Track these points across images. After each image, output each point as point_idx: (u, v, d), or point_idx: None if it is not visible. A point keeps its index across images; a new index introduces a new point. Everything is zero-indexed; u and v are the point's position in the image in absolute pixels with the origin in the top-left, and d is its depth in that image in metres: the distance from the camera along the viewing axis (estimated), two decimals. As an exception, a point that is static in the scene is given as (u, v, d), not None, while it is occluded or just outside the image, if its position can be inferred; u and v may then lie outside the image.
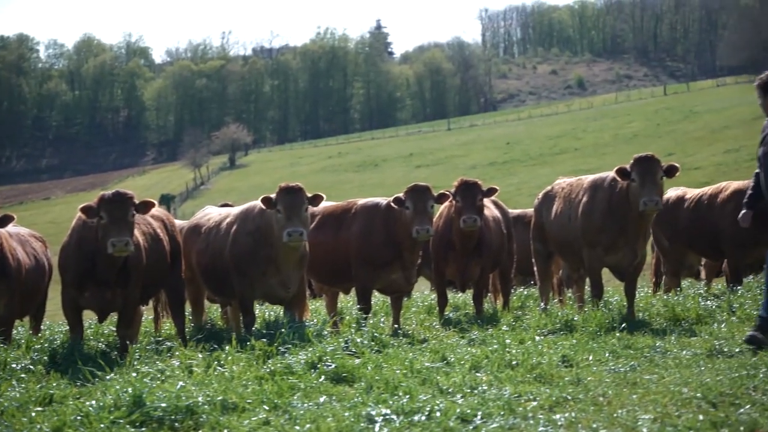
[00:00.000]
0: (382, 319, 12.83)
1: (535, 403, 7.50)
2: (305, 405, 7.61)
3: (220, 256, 11.72)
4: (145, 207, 10.69)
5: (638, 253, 12.54)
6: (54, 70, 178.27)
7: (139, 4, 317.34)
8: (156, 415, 7.25)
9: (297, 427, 6.99)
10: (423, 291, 19.01)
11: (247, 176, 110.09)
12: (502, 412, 7.19)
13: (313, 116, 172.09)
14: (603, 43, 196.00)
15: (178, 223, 12.71)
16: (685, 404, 7.24)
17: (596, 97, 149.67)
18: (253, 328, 11.28)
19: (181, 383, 7.94)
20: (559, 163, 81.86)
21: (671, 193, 15.21)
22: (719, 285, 15.79)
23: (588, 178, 13.19)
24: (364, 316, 12.22)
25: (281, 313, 12.00)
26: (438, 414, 7.11)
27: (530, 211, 15.75)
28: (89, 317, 12.16)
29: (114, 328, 11.29)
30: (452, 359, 9.44)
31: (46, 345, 10.48)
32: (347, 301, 14.80)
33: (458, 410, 7.18)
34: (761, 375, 7.97)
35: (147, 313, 14.01)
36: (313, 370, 8.79)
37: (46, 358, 9.95)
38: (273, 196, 11.17)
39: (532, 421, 6.96)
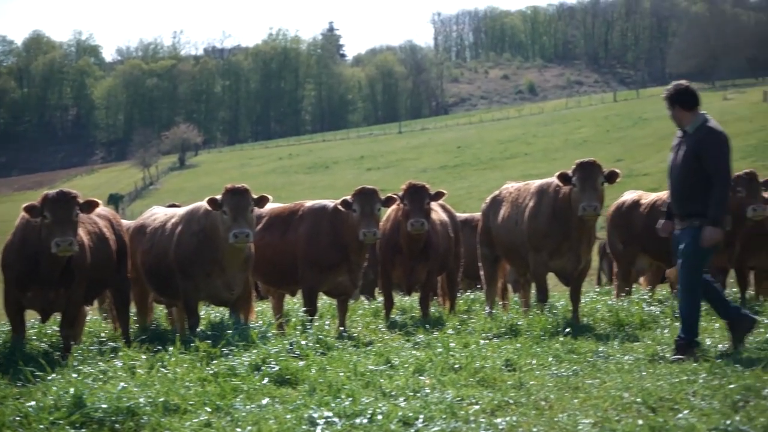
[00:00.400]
0: (328, 322, 12.83)
1: (477, 407, 7.55)
2: (248, 407, 7.62)
3: (164, 257, 11.67)
4: (89, 206, 10.63)
5: (582, 259, 12.64)
6: (2, 66, 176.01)
7: (89, 2, 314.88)
8: (97, 416, 7.25)
9: (239, 429, 7.01)
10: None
11: (197, 176, 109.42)
12: (444, 416, 7.24)
13: (265, 117, 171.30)
14: (554, 49, 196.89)
15: (125, 222, 12.63)
16: (626, 409, 7.32)
17: (547, 103, 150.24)
18: (198, 330, 11.24)
19: (123, 384, 7.93)
20: (509, 167, 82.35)
21: (627, 196, 15.34)
22: (663, 291, 15.94)
23: (535, 183, 13.28)
24: (310, 318, 12.22)
25: (227, 314, 11.98)
26: (380, 417, 7.15)
27: (478, 215, 15.78)
28: (32, 317, 12.06)
29: (57, 328, 11.20)
30: (396, 362, 9.48)
31: (-13, 345, 10.38)
32: (293, 303, 14.78)
33: (400, 413, 7.22)
34: (701, 380, 8.08)
35: (92, 313, 13.90)
36: (256, 372, 8.80)
37: (-14, 358, 9.87)
38: (219, 197, 11.14)
39: (473, 425, 7.01)
